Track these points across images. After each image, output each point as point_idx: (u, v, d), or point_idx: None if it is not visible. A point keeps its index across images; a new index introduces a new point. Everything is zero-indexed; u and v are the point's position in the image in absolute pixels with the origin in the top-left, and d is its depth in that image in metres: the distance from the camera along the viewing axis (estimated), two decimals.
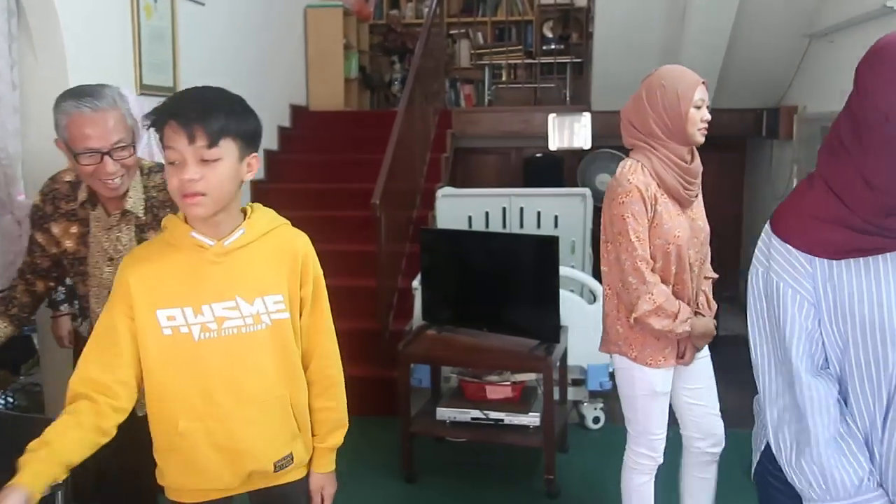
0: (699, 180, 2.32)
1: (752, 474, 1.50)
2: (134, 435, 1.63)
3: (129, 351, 1.54)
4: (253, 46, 5.41)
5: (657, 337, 2.31)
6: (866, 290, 1.23)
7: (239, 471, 1.63)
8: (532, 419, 3.29)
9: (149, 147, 2.58)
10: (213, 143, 1.45)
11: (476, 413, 3.35)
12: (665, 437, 2.47)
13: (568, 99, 7.07)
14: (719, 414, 2.50)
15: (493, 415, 3.33)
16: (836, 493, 1.27)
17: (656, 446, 2.45)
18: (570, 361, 3.60)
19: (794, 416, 1.30)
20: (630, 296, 2.26)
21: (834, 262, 1.25)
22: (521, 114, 6.36)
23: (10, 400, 3.84)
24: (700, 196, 2.39)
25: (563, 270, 3.57)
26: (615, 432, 3.92)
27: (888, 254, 1.22)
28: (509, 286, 3.43)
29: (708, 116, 2.22)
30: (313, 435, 1.74)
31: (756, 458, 1.48)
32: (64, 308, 2.96)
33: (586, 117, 5.61)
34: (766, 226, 1.32)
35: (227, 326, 1.56)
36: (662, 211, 2.22)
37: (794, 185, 4.90)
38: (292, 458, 1.68)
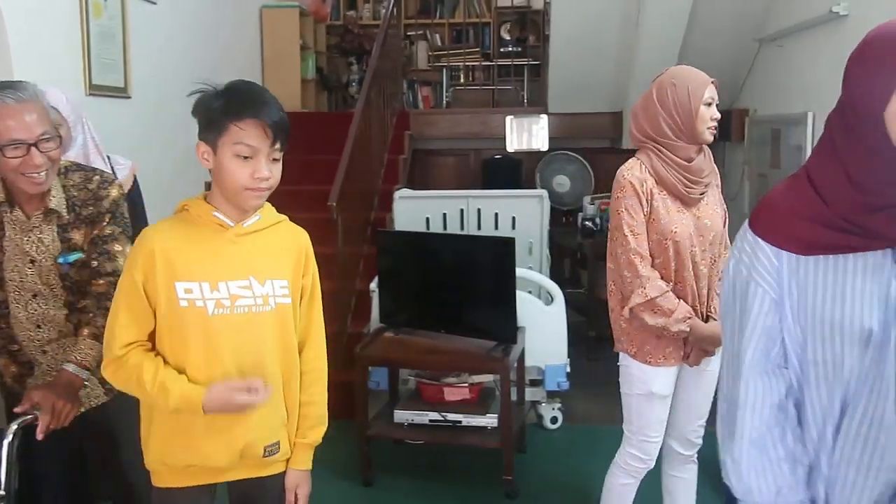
0: (707, 179, 2.28)
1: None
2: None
3: (150, 310, 1.64)
4: (207, 46, 5.34)
5: (657, 335, 2.27)
6: (831, 288, 1.21)
7: (232, 450, 1.68)
8: (490, 420, 3.30)
9: (84, 149, 2.51)
10: (284, 145, 1.62)
11: (434, 415, 3.34)
12: (660, 442, 2.42)
13: (525, 101, 7.11)
14: (703, 426, 2.48)
15: (451, 416, 3.33)
16: (752, 497, 1.27)
17: (648, 450, 2.40)
18: (528, 362, 3.62)
19: (727, 408, 1.30)
20: (625, 289, 2.28)
21: (802, 257, 1.22)
22: (478, 115, 6.38)
23: None
24: (715, 197, 2.35)
25: (521, 272, 3.58)
26: (573, 432, 3.97)
27: (858, 254, 1.20)
28: (466, 288, 3.44)
29: (717, 115, 2.23)
30: (301, 427, 1.80)
31: None
32: None
33: (543, 119, 5.66)
34: (746, 221, 1.32)
35: (240, 304, 1.65)
36: (660, 206, 2.23)
37: (745, 187, 4.98)
38: (279, 447, 1.75)
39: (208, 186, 5.76)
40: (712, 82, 2.24)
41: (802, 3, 4.23)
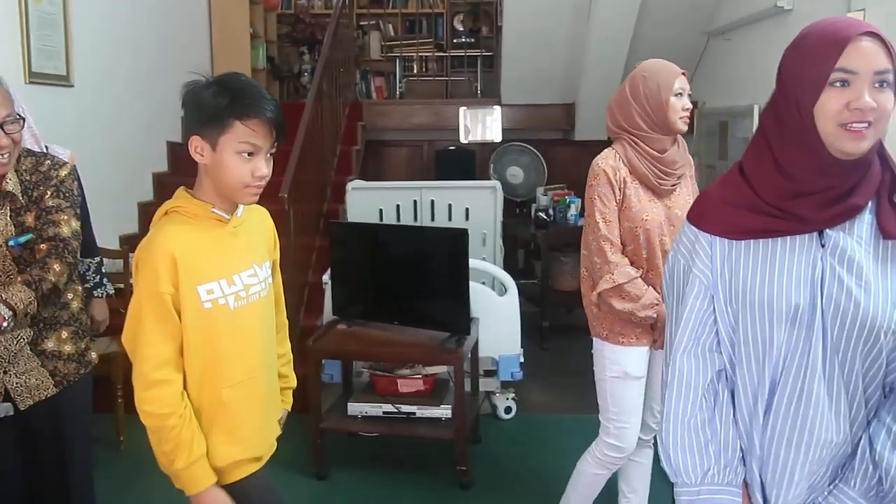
0: (680, 171, 2.32)
1: None
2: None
3: (178, 322, 1.60)
4: (154, 34, 5.21)
5: (624, 319, 2.32)
6: (760, 269, 1.26)
7: (268, 435, 1.78)
8: (444, 411, 3.30)
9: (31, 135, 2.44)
10: (280, 143, 1.63)
11: (388, 407, 3.33)
12: (637, 428, 2.42)
13: (479, 92, 7.11)
14: (659, 418, 2.52)
15: (405, 408, 3.32)
16: (680, 478, 1.32)
17: (627, 438, 2.40)
18: (482, 353, 3.62)
19: (663, 391, 1.37)
20: (595, 275, 2.31)
21: (734, 242, 1.28)
22: (432, 106, 6.37)
23: None
24: (688, 187, 2.39)
25: (474, 263, 3.59)
26: (527, 422, 4.00)
27: (787, 238, 1.25)
28: (420, 279, 3.43)
29: (689, 105, 2.26)
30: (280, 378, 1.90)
31: None
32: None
33: (497, 110, 5.67)
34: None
35: (252, 292, 1.69)
36: (632, 195, 2.28)
37: (695, 178, 5.03)
38: (280, 422, 1.89)
39: (157, 177, 5.66)
40: (682, 73, 2.29)
41: None
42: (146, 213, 5.04)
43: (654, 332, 2.34)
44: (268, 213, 1.85)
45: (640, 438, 2.54)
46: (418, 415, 3.32)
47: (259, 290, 1.71)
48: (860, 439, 1.26)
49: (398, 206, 4.29)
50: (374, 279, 3.54)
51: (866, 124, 1.16)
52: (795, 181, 1.21)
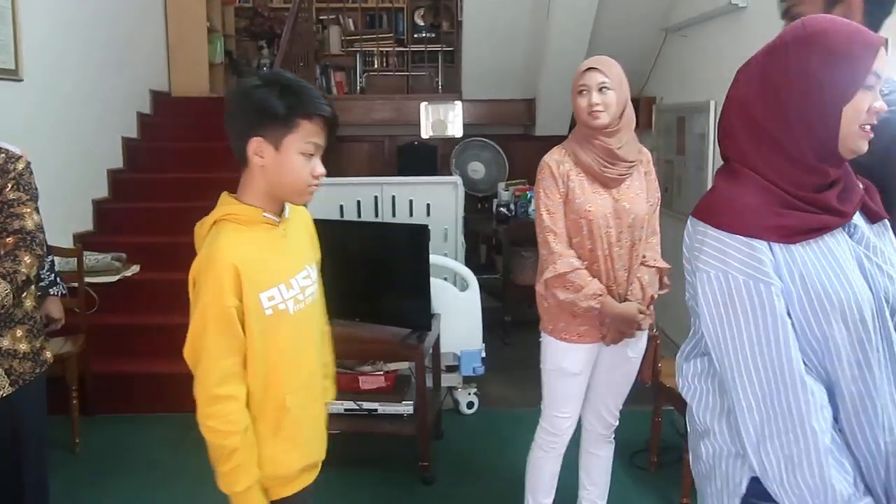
0: (627, 164, 2.32)
1: None
2: None
3: (242, 335, 1.56)
4: (107, 27, 5.11)
5: (572, 313, 2.34)
6: (831, 269, 1.18)
7: (323, 439, 1.77)
8: (406, 408, 3.30)
9: None
10: (332, 143, 1.62)
11: (349, 404, 3.31)
12: (574, 420, 2.50)
13: (440, 87, 7.10)
14: (616, 415, 2.57)
15: (367, 405, 3.30)
16: None
17: (558, 425, 2.48)
18: (444, 348, 3.63)
19: (783, 426, 1.15)
20: (542, 266, 2.36)
21: (792, 246, 1.18)
22: (393, 102, 6.33)
23: None
24: (641, 182, 2.39)
25: (436, 259, 3.58)
26: (489, 416, 4.01)
27: (833, 232, 1.20)
28: (381, 276, 3.41)
29: (593, 100, 2.27)
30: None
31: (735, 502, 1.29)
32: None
33: (458, 106, 5.66)
34: (702, 227, 1.23)
35: (308, 294, 1.67)
36: (576, 187, 2.31)
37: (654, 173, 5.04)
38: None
39: (112, 174, 5.53)
40: (590, 69, 2.30)
41: None
42: (102, 211, 4.94)
43: (602, 327, 2.37)
44: (307, 212, 1.82)
45: (598, 432, 2.58)
46: (380, 411, 3.31)
47: (313, 292, 1.69)
48: None
49: (359, 202, 4.26)
50: (335, 276, 3.47)
51: (871, 126, 1.19)
52: (815, 174, 1.19)
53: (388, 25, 7.62)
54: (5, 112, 3.78)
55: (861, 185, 1.29)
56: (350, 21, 7.68)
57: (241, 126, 1.55)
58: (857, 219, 1.26)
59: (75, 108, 4.65)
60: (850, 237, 1.23)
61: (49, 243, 3.07)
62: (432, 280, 3.34)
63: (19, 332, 2.04)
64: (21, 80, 4.05)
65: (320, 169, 1.59)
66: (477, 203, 6.24)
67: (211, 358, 1.54)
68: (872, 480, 1.18)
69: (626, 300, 2.37)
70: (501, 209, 5.49)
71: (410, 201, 4.24)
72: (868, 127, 1.19)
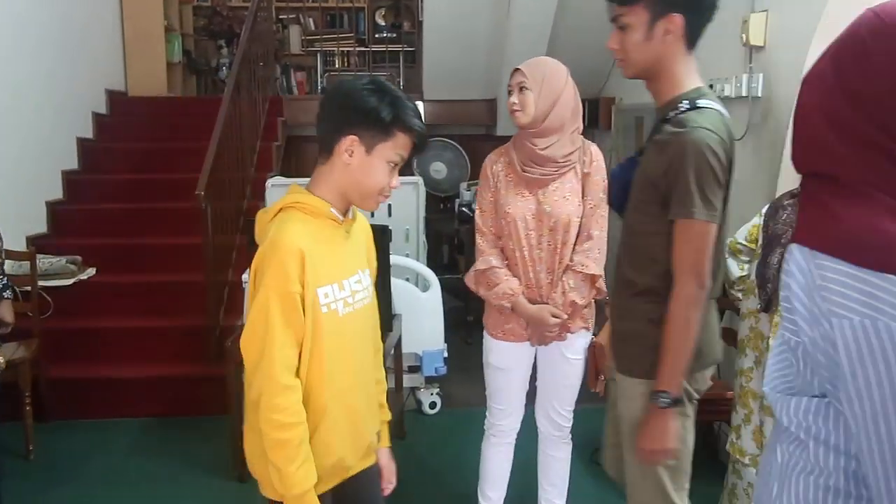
0: (554, 165, 2.31)
1: None
2: None
3: (304, 324, 1.53)
4: (61, 27, 5.01)
5: (498, 311, 2.43)
6: None
7: (360, 446, 1.71)
8: None
9: None
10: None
11: None
12: (515, 416, 2.59)
13: (401, 87, 7.09)
14: (565, 417, 2.58)
15: None
16: None
17: (496, 416, 2.59)
18: (406, 349, 3.62)
19: None
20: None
21: None
22: None
23: None
24: (575, 185, 2.36)
25: (397, 259, 3.58)
26: (452, 416, 4.02)
27: None
28: None
29: (511, 99, 2.31)
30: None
31: None
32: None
33: (419, 106, 5.65)
34: (831, 262, 0.97)
35: (357, 300, 1.65)
36: (502, 187, 2.37)
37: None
38: (378, 437, 1.81)
39: (66, 176, 5.42)
40: (516, 69, 2.33)
41: None
42: (56, 213, 4.85)
43: (527, 328, 2.43)
44: (366, 220, 1.80)
45: (551, 433, 2.61)
46: None
47: (363, 298, 1.67)
48: None
49: None
50: None
51: None
52: None
53: (349, 25, 7.59)
54: None
55: None
56: (310, 20, 7.63)
57: (340, 121, 1.56)
58: None
59: (28, 108, 4.55)
60: None
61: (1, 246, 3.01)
62: (394, 281, 3.34)
63: None
64: None
65: (397, 181, 1.61)
66: (439, 203, 6.25)
67: (276, 346, 1.49)
68: None
69: (547, 302, 2.38)
70: (463, 209, 5.51)
71: None
72: None
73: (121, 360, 4.14)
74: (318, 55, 7.40)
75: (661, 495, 1.89)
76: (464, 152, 6.36)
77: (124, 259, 4.57)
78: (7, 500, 2.22)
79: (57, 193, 4.97)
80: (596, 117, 5.61)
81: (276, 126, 5.79)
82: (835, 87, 1.03)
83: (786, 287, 1.07)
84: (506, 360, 2.49)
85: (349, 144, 1.55)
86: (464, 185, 5.85)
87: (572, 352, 2.47)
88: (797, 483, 1.09)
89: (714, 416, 3.32)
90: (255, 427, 1.56)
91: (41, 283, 3.84)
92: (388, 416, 1.87)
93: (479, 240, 2.42)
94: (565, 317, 2.37)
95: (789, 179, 2.70)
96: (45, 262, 4.16)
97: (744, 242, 2.81)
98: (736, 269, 2.87)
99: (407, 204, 4.25)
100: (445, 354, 3.81)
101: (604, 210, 2.38)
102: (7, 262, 3.21)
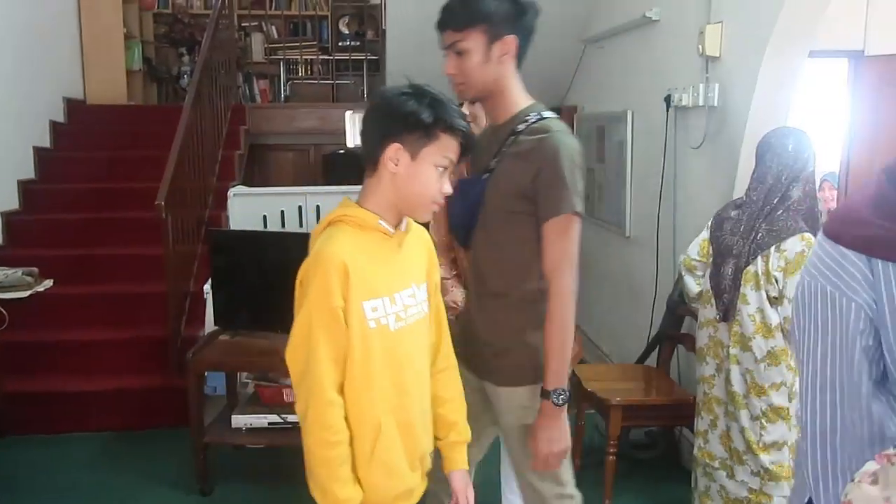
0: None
1: None
2: None
3: (346, 339, 1.50)
4: (17, 33, 4.92)
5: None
6: None
7: (418, 466, 1.64)
8: None
9: None
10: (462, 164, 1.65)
11: (273, 418, 3.27)
12: None
13: (365, 95, 7.09)
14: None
15: (291, 418, 3.26)
16: None
17: None
18: None
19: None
20: None
21: None
22: (318, 110, 6.30)
23: None
24: None
25: None
26: None
27: None
28: None
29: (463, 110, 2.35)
30: (447, 426, 1.74)
31: None
32: None
33: None
34: (820, 237, 1.10)
35: (410, 314, 1.59)
36: None
37: None
38: (430, 457, 1.71)
39: (23, 185, 5.33)
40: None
41: (619, 7, 4.48)
42: (11, 224, 4.76)
43: None
44: (426, 232, 1.75)
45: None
46: None
47: (416, 313, 1.62)
48: None
49: (282, 212, 4.22)
50: (258, 287, 3.46)
51: None
52: None
53: (312, 33, 7.57)
54: None
55: None
56: (273, 28, 7.59)
57: (381, 130, 1.53)
58: None
59: None
60: None
61: None
62: None
63: None
64: None
65: (448, 188, 1.57)
66: None
67: (320, 361, 1.47)
68: None
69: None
70: None
71: None
72: None
73: (79, 372, 4.07)
74: (282, 63, 7.37)
75: (560, 486, 1.98)
76: None
77: (82, 270, 4.49)
78: None
79: (13, 203, 4.88)
80: None
81: (239, 134, 5.75)
82: None
83: None
84: None
85: (393, 153, 1.52)
86: None
87: None
88: None
89: (676, 421, 3.37)
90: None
91: None
92: (464, 436, 1.77)
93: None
94: None
95: (745, 187, 2.75)
96: (0, 274, 4.08)
97: (697, 258, 2.86)
98: (693, 285, 2.91)
99: None
100: None
101: None
102: None
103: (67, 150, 5.41)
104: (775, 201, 2.57)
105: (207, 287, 3.71)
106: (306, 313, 1.48)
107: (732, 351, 2.65)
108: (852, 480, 0.93)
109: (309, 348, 1.48)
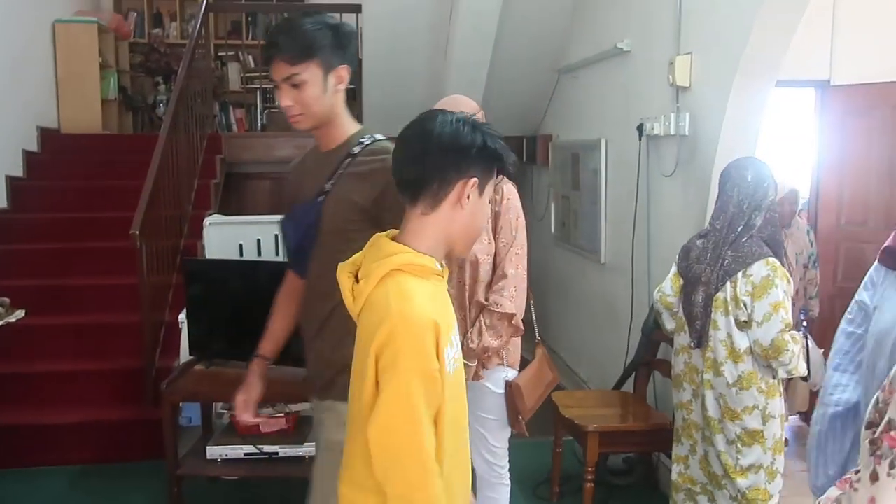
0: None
1: None
2: None
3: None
4: None
5: None
6: None
7: None
8: (308, 449, 3.23)
9: None
10: None
11: (249, 448, 3.23)
12: None
13: None
14: (498, 454, 2.56)
15: (267, 448, 3.23)
16: None
17: None
18: None
19: None
20: None
21: None
22: (294, 139, 6.30)
23: None
24: (487, 232, 2.43)
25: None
26: None
27: None
28: None
29: None
30: None
31: None
32: None
33: None
34: None
35: (459, 353, 1.50)
36: None
37: (552, 208, 5.22)
38: None
39: None
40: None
41: (592, 38, 4.57)
42: None
43: None
44: None
45: (488, 475, 2.59)
46: (281, 454, 3.24)
47: (459, 350, 1.52)
48: None
49: (259, 240, 4.20)
50: (233, 317, 3.44)
51: None
52: None
53: None
54: None
55: None
56: (250, 58, 7.62)
57: (452, 166, 1.41)
58: None
59: None
60: None
61: None
62: None
63: None
64: None
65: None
66: None
67: (423, 431, 1.33)
68: None
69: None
70: None
71: None
72: None
73: (52, 404, 4.00)
74: (258, 92, 7.38)
75: None
76: None
77: (55, 300, 4.44)
78: None
79: None
80: (534, 153, 5.73)
81: (215, 163, 5.74)
82: None
83: None
84: None
85: (470, 187, 1.42)
86: None
87: (492, 383, 2.49)
88: None
89: (653, 447, 3.38)
90: None
91: None
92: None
93: None
94: (471, 365, 2.39)
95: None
96: None
97: (671, 294, 2.88)
98: (669, 322, 2.93)
99: None
100: None
101: (519, 248, 2.45)
102: None
103: (41, 180, 5.37)
104: (739, 229, 2.63)
105: (182, 317, 3.68)
106: (404, 386, 1.33)
107: (706, 376, 2.67)
108: None
109: (413, 425, 1.33)
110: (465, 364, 2.32)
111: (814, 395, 3.06)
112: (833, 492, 0.95)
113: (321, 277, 1.95)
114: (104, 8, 7.20)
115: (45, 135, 5.71)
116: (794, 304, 3.66)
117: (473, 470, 2.54)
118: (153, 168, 4.26)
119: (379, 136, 1.99)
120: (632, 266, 3.87)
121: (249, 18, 7.62)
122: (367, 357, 1.35)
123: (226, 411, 3.51)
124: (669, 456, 3.00)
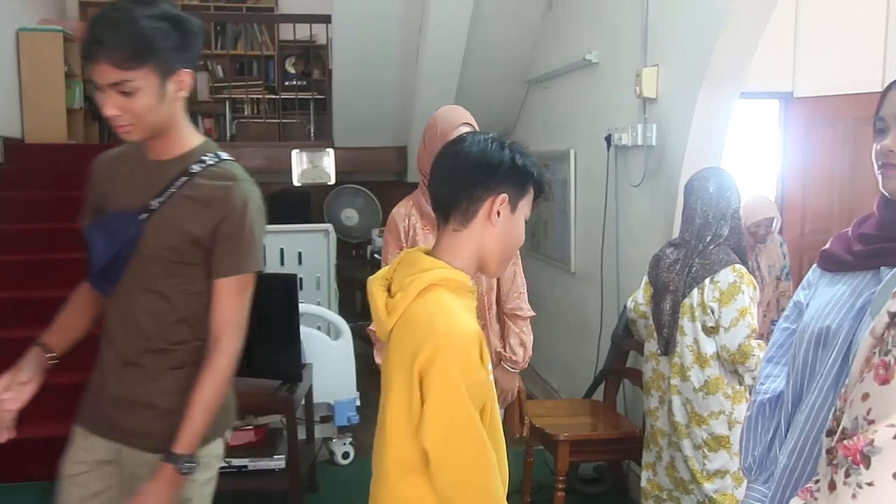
0: None
1: None
2: None
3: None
4: None
5: None
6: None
7: None
8: (277, 462, 3.22)
9: None
10: None
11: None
12: None
13: (312, 135, 7.10)
14: None
15: (236, 462, 3.20)
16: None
17: None
18: (317, 398, 3.58)
19: None
20: None
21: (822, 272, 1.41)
22: (264, 149, 6.27)
23: None
24: None
25: (307, 307, 3.55)
26: (365, 465, 3.96)
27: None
28: (248, 327, 3.33)
29: None
30: None
31: None
32: None
33: (330, 153, 5.68)
34: None
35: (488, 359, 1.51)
36: (420, 241, 2.36)
37: None
38: None
39: None
40: (465, 123, 2.35)
41: (560, 50, 4.62)
42: None
43: None
44: None
45: None
46: (250, 467, 3.21)
47: None
48: None
49: None
50: None
51: None
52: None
53: (259, 72, 7.57)
54: None
55: None
56: (219, 67, 7.58)
57: (482, 182, 1.42)
58: None
59: None
60: None
61: None
62: (304, 329, 3.31)
63: None
64: None
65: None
66: (351, 250, 6.24)
67: (483, 451, 1.34)
68: None
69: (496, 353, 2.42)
70: (376, 255, 5.52)
71: (281, 249, 4.21)
72: None
73: (19, 420, 3.92)
74: (227, 102, 7.34)
75: None
76: (375, 199, 6.40)
77: (20, 313, 4.35)
78: None
79: None
80: None
81: None
82: None
83: None
84: None
85: (500, 204, 1.42)
86: (375, 232, 5.87)
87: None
88: None
89: (624, 455, 3.41)
90: None
91: None
92: None
93: None
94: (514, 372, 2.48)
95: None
96: None
97: (644, 303, 2.92)
98: (643, 330, 2.97)
99: (317, 251, 4.25)
100: (358, 403, 3.78)
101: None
102: None
103: (5, 190, 5.28)
104: (708, 239, 2.69)
105: None
106: (455, 396, 1.33)
107: (673, 382, 2.71)
108: None
109: (472, 439, 1.34)
110: (510, 373, 2.39)
111: None
112: (796, 501, 0.97)
113: (131, 308, 1.74)
114: (70, 16, 7.12)
115: (9, 144, 5.62)
116: (765, 316, 3.73)
117: None
118: None
119: (224, 156, 1.75)
120: (601, 275, 3.91)
121: (218, 28, 7.58)
122: (409, 374, 1.34)
123: None
124: (639, 463, 3.02)
